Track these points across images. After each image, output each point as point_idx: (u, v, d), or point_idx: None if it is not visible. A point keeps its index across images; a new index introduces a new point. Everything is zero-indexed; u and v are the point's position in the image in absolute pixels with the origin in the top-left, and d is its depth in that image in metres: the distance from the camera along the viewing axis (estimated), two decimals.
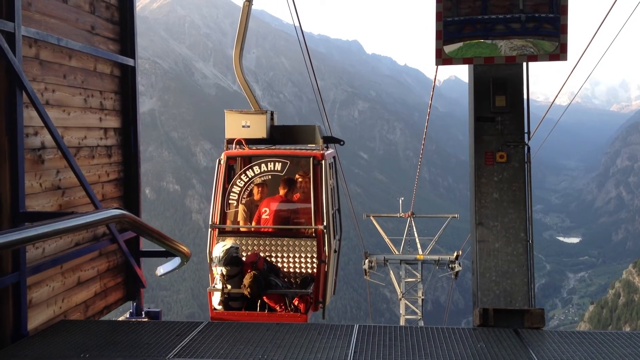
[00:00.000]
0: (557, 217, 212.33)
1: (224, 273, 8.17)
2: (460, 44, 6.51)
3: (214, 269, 8.50)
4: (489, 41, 6.46)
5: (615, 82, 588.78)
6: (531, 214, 6.68)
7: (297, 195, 9.10)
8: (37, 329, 6.46)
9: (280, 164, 8.78)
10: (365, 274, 25.73)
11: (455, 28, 6.50)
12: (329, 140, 9.24)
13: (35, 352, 5.71)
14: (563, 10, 6.33)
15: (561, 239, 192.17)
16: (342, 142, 9.39)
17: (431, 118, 20.66)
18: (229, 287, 8.24)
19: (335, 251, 8.96)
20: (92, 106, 7.83)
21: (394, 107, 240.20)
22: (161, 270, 8.48)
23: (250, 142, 9.04)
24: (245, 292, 8.11)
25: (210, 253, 8.43)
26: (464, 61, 6.56)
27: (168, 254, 8.40)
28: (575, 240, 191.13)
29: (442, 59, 6.56)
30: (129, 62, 8.67)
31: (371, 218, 28.44)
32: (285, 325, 6.30)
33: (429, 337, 5.92)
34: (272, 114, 9.17)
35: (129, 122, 8.70)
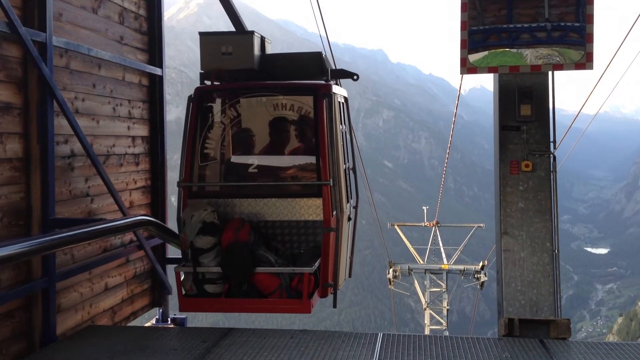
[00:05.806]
0: (584, 228, 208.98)
1: (196, 245, 6.34)
2: (485, 52, 6.51)
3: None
4: (514, 50, 6.46)
5: None
6: (557, 224, 6.63)
7: (297, 147, 7.15)
8: (65, 334, 6.58)
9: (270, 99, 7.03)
10: (390, 284, 25.71)
11: (480, 37, 6.51)
12: (338, 74, 7.29)
13: (64, 357, 5.81)
14: (589, 19, 6.30)
15: (589, 249, 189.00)
16: (355, 77, 7.47)
17: (456, 127, 20.68)
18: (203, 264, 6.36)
19: (349, 219, 7.24)
20: (120, 115, 7.97)
21: (419, 115, 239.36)
22: None
23: (235, 75, 6.93)
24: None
25: (180, 220, 6.54)
26: (489, 70, 6.55)
27: None
28: (603, 251, 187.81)
29: (467, 68, 6.56)
30: (157, 71, 8.81)
31: (396, 227, 28.43)
32: (310, 333, 6.31)
33: (454, 347, 5.90)
34: (262, 39, 7.11)
35: (157, 131, 8.83)
